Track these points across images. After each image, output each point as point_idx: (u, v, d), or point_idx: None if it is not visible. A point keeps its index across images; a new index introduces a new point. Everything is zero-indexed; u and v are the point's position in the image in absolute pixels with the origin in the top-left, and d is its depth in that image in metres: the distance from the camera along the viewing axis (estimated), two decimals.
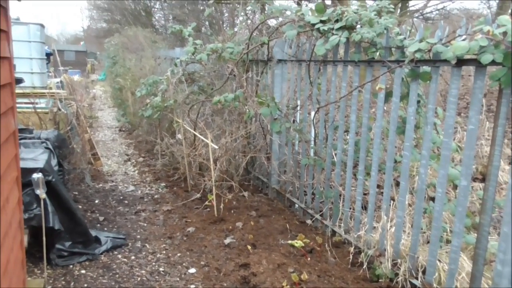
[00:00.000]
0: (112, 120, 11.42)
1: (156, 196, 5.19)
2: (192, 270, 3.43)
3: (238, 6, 6.04)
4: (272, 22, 5.12)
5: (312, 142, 4.31)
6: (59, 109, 5.31)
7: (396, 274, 2.97)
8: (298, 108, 4.57)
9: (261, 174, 5.30)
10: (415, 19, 12.23)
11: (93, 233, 3.71)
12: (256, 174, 5.38)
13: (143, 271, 3.42)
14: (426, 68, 2.84)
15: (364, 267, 3.18)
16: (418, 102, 3.22)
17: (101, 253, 3.64)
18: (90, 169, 5.94)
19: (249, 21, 5.58)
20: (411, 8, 11.73)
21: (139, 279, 3.31)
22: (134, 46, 11.00)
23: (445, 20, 11.21)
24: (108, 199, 5.02)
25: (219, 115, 5.45)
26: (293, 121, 4.66)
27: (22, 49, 6.09)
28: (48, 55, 9.70)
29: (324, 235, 3.83)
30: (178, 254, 3.70)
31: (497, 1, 13.17)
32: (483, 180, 4.81)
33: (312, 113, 4.21)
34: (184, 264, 3.54)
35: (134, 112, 8.91)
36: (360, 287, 3.00)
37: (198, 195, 4.95)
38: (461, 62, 2.49)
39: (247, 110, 4.68)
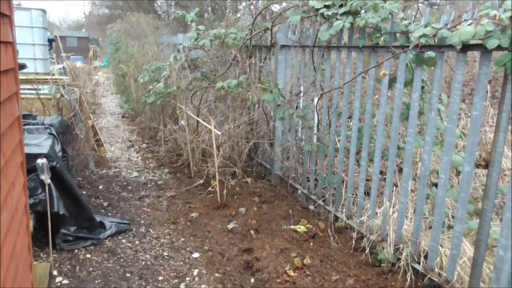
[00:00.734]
0: (115, 107, 11.42)
1: (159, 182, 5.22)
2: (196, 255, 3.47)
3: None
4: (276, 8, 5.08)
5: (315, 129, 4.31)
6: (62, 95, 5.31)
7: (398, 259, 2.99)
8: (302, 94, 4.56)
9: (264, 161, 5.31)
10: (420, 4, 12.08)
11: (98, 218, 3.75)
12: (259, 160, 5.39)
13: (148, 256, 3.46)
14: (431, 54, 2.82)
15: (366, 252, 3.21)
16: (423, 88, 3.20)
17: (106, 238, 3.68)
18: (93, 155, 5.97)
19: (252, 7, 5.53)
20: None
21: (143, 263, 3.35)
22: (137, 32, 10.94)
23: (451, 5, 11.06)
24: (112, 185, 5.05)
25: (222, 101, 5.45)
26: (296, 107, 4.65)
27: (24, 35, 6.05)
28: (50, 41, 9.64)
29: (326, 220, 3.85)
30: (182, 239, 3.74)
31: None
32: (486, 166, 4.81)
33: (316, 99, 4.20)
34: (188, 249, 3.57)
35: (137, 99, 8.90)
36: (362, 272, 3.03)
37: (202, 181, 4.97)
38: (466, 47, 2.47)
39: (250, 96, 4.67)
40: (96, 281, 3.07)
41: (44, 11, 6.40)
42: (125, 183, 5.16)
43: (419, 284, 2.85)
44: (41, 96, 5.14)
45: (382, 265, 3.09)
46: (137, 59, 9.32)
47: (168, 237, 3.80)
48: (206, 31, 5.26)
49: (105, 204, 4.44)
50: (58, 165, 3.36)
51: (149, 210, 4.39)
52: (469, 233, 3.02)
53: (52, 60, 7.42)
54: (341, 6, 3.48)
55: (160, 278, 3.16)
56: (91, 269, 3.23)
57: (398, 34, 3.05)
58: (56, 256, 3.36)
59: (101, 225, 3.73)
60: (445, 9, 2.67)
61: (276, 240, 3.48)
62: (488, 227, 2.44)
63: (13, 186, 1.84)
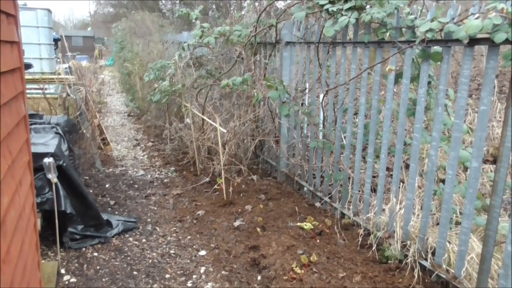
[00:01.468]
0: (120, 106, 11.46)
1: (165, 180, 5.24)
2: (203, 253, 3.47)
3: None
4: (280, 4, 5.07)
5: (321, 125, 4.29)
6: (68, 95, 5.34)
7: (405, 256, 2.98)
8: (307, 91, 4.54)
9: (269, 158, 5.31)
10: None
11: (105, 216, 3.76)
12: (265, 157, 5.38)
13: (154, 254, 3.47)
14: (437, 48, 2.79)
15: (373, 248, 3.19)
16: (429, 83, 3.18)
17: (113, 236, 3.70)
18: (100, 154, 6.00)
19: (256, 3, 5.51)
20: None
21: (150, 261, 3.36)
22: (142, 31, 10.95)
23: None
24: (119, 183, 5.07)
25: (227, 99, 5.44)
26: (302, 104, 4.63)
27: (30, 34, 6.09)
28: (56, 40, 9.69)
29: (333, 217, 3.84)
30: (188, 237, 3.75)
31: None
32: (494, 162, 4.76)
33: (321, 96, 4.18)
34: (194, 246, 3.58)
35: (142, 97, 8.92)
36: (369, 269, 3.02)
37: (207, 179, 4.98)
38: (473, 41, 2.44)
39: (256, 93, 4.66)
40: (104, 279, 3.09)
41: (49, 10, 6.44)
42: (131, 182, 5.18)
43: (426, 280, 2.83)
44: (47, 96, 5.17)
45: (389, 261, 3.08)
46: (142, 57, 9.34)
47: (174, 235, 3.81)
48: (210, 28, 5.25)
49: (112, 202, 4.46)
50: (64, 164, 3.37)
51: (155, 208, 4.41)
52: (477, 229, 3.00)
53: (58, 60, 7.45)
54: (346, 1, 3.45)
55: (167, 276, 3.17)
56: (98, 267, 3.24)
57: (404, 29, 3.02)
58: (64, 255, 3.38)
59: (108, 224, 3.74)
60: (451, 3, 2.64)
61: (282, 237, 3.47)
62: (496, 222, 2.42)
63: (20, 185, 1.85)
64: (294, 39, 4.51)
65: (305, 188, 4.47)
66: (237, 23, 5.32)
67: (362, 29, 3.45)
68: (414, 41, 2.77)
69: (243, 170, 5.01)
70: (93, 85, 6.68)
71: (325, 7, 3.56)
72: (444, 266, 2.78)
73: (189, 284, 3.07)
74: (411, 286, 2.79)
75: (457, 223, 3.09)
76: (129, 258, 3.40)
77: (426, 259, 2.90)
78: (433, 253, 2.88)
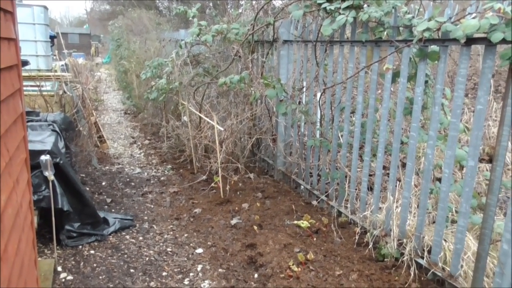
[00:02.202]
0: (117, 103, 11.43)
1: (162, 178, 5.23)
2: (199, 250, 3.48)
3: None
4: (278, 2, 5.06)
5: (318, 124, 4.30)
6: (65, 92, 5.32)
7: (402, 254, 2.99)
8: (304, 89, 4.55)
9: (266, 156, 5.31)
10: None
11: (101, 214, 3.76)
12: (262, 156, 5.39)
13: (151, 251, 3.47)
14: (434, 48, 2.81)
15: (369, 247, 3.21)
16: (426, 82, 3.19)
17: (110, 234, 3.69)
18: (96, 151, 5.98)
19: (254, 2, 5.51)
20: None
21: (147, 259, 3.36)
22: (138, 28, 10.93)
23: None
24: (115, 181, 5.07)
25: (224, 97, 5.44)
26: (299, 103, 4.64)
27: (26, 31, 6.05)
28: (52, 37, 9.63)
29: (329, 216, 3.85)
30: (185, 235, 3.75)
31: None
32: (489, 161, 4.79)
33: (318, 95, 4.19)
34: (191, 244, 3.58)
35: (139, 95, 8.90)
36: (365, 267, 3.03)
37: (204, 177, 4.97)
38: (470, 41, 2.45)
39: (253, 91, 4.66)
40: (100, 277, 3.09)
41: (46, 7, 6.40)
42: (128, 180, 5.17)
43: (422, 278, 2.85)
44: (44, 93, 5.14)
45: (385, 260, 3.09)
46: (139, 55, 9.32)
47: (171, 233, 3.81)
48: (208, 26, 5.24)
49: (109, 200, 4.45)
50: (61, 162, 3.36)
51: (152, 206, 4.40)
52: (472, 227, 3.02)
53: (54, 57, 7.42)
54: (343, 0, 3.46)
55: (164, 273, 3.17)
56: (95, 265, 3.24)
57: (401, 28, 3.03)
58: (60, 252, 3.37)
59: (105, 221, 3.74)
60: (449, 3, 2.65)
61: (279, 236, 3.48)
62: (492, 221, 2.44)
63: (17, 183, 1.84)
64: (291, 37, 4.52)
65: (302, 187, 4.48)
66: (234, 21, 5.32)
67: (359, 28, 3.46)
68: (412, 40, 2.78)
69: (240, 168, 5.02)
70: (89, 82, 6.65)
71: (323, 5, 3.57)
72: (440, 264, 2.80)
73: (186, 282, 3.07)
74: (407, 284, 2.81)
75: (453, 222, 3.11)
76: (126, 256, 3.40)
77: (422, 257, 2.92)
78: (429, 251, 2.90)
